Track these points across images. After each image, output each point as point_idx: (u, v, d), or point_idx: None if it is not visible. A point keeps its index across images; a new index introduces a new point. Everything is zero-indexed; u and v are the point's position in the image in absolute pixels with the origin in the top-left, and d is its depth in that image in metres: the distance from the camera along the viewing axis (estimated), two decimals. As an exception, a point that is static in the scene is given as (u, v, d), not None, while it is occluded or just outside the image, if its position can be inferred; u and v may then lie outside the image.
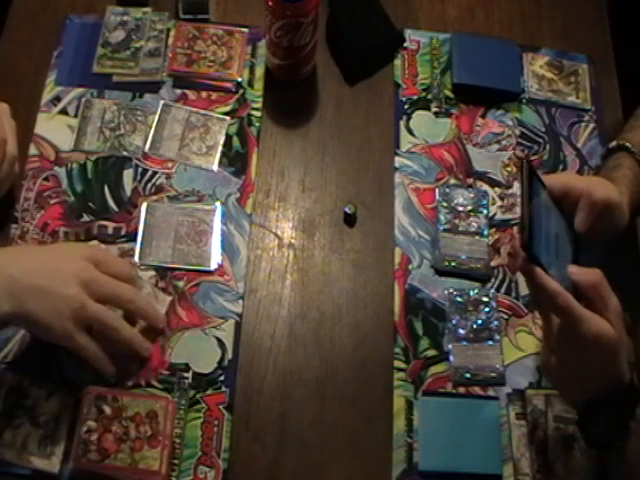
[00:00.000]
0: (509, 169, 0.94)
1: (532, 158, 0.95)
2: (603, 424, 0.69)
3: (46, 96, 0.93)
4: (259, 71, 0.97)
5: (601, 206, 0.75)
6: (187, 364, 0.80)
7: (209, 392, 0.80)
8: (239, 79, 0.96)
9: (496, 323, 0.85)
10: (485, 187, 0.93)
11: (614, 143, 0.87)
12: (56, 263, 0.74)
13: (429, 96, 0.98)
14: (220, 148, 0.92)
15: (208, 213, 0.88)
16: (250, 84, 0.96)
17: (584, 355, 0.67)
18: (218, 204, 0.89)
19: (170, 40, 0.97)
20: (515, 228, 0.90)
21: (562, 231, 0.73)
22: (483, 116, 0.97)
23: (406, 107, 0.97)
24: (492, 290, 0.87)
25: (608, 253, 0.83)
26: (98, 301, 0.74)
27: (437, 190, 0.91)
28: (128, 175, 0.90)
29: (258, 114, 0.94)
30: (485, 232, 0.89)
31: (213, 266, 0.86)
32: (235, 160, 0.92)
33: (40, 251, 0.79)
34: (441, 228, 0.89)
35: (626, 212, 0.79)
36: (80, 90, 0.93)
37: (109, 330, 0.76)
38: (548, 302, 0.67)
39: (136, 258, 0.85)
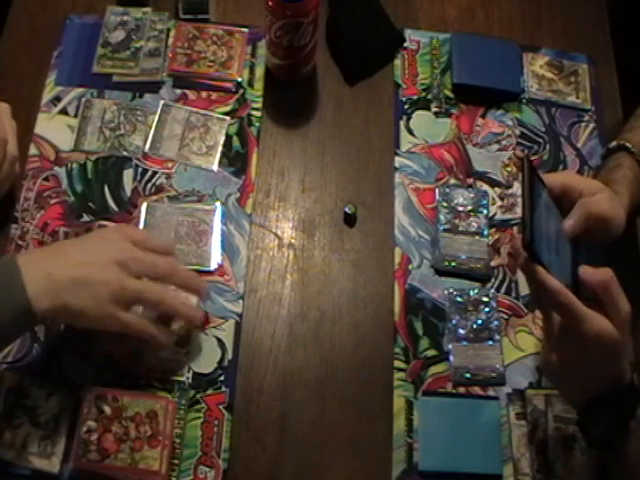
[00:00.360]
0: (509, 169, 0.94)
1: (532, 158, 0.94)
2: (603, 424, 0.69)
3: (46, 96, 0.93)
4: (259, 71, 0.97)
5: (594, 220, 0.74)
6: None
7: (209, 392, 0.80)
8: (239, 79, 0.96)
9: (496, 323, 0.85)
10: (485, 187, 0.93)
11: (614, 143, 0.87)
12: (92, 252, 0.74)
13: (429, 96, 0.98)
14: (220, 148, 0.92)
15: (208, 213, 0.88)
16: (250, 84, 0.96)
17: (585, 354, 0.67)
18: (218, 204, 0.89)
19: (170, 40, 0.97)
20: (515, 228, 0.90)
21: (562, 230, 0.73)
22: (483, 116, 0.97)
23: (406, 107, 0.97)
24: (492, 290, 0.87)
25: (608, 253, 0.83)
26: (138, 277, 0.74)
27: (437, 190, 0.91)
28: (128, 175, 0.90)
29: (258, 114, 0.94)
30: (485, 232, 0.89)
31: (213, 266, 0.86)
32: (235, 160, 0.92)
33: (77, 244, 0.78)
34: (441, 228, 0.89)
35: (621, 221, 0.78)
36: (80, 90, 0.93)
37: (152, 304, 0.75)
38: (549, 300, 0.67)
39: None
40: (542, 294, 0.67)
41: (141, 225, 0.86)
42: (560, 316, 0.67)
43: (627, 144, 0.85)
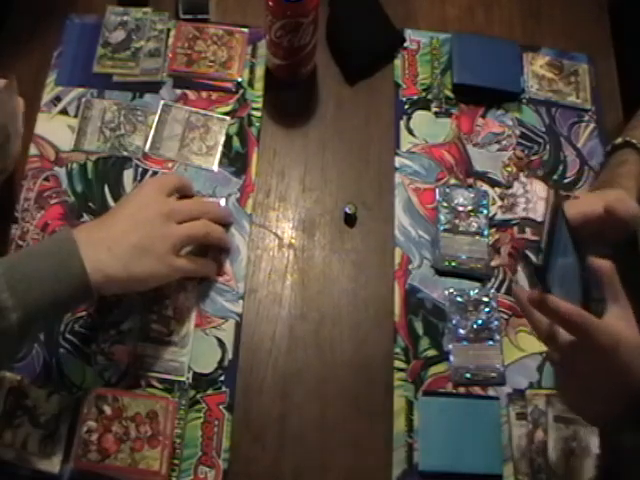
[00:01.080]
0: (509, 169, 0.94)
1: (532, 158, 0.95)
2: (632, 431, 0.65)
3: (46, 96, 0.93)
4: (259, 71, 0.97)
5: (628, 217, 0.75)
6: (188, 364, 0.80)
7: (209, 392, 0.80)
8: (239, 79, 0.96)
9: (496, 323, 0.85)
10: (485, 187, 0.93)
11: (619, 139, 0.87)
12: (139, 214, 0.77)
13: (429, 96, 0.98)
14: (220, 148, 0.92)
15: (208, 213, 0.88)
16: (250, 84, 0.96)
17: (604, 365, 0.64)
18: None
19: (170, 40, 0.97)
20: (515, 228, 0.90)
21: (575, 271, 0.69)
22: (483, 116, 0.97)
23: (406, 107, 0.97)
24: (492, 290, 0.87)
25: (614, 259, 0.82)
26: (180, 223, 0.79)
27: (437, 190, 0.91)
28: (128, 175, 0.90)
29: (258, 114, 0.94)
30: (485, 232, 0.89)
31: (213, 266, 0.86)
32: (235, 160, 0.92)
33: (122, 209, 0.78)
34: (441, 228, 0.89)
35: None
36: (80, 90, 0.93)
37: (201, 238, 0.81)
38: (563, 324, 0.64)
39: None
40: (555, 320, 0.64)
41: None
42: (576, 336, 0.64)
43: (633, 140, 0.85)
